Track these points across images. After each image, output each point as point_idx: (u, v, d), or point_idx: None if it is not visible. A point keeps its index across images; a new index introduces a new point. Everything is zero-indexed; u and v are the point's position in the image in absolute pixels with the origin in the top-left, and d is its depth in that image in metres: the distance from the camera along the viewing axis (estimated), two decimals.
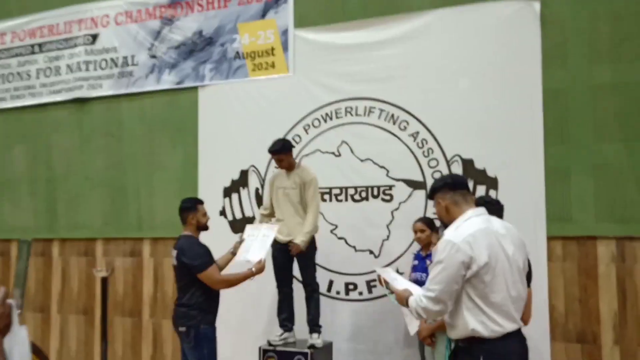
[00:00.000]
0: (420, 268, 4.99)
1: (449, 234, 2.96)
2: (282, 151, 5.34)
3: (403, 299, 3.13)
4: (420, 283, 4.46)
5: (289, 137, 6.15)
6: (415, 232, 5.09)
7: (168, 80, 6.91)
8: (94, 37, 7.34)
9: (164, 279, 6.73)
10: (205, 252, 4.50)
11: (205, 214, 4.71)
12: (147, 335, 6.79)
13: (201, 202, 4.78)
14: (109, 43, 7.26)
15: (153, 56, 7.02)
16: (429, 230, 5.03)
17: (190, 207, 4.68)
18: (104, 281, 6.23)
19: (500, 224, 3.04)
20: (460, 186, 3.09)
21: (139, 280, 6.87)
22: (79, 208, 7.25)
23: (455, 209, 3.01)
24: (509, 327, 2.85)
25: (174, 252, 4.53)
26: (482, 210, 3.06)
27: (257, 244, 4.96)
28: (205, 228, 4.71)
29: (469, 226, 2.91)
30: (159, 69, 6.97)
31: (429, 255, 4.94)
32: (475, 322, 2.83)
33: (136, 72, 7.08)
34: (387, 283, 3.45)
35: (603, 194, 5.03)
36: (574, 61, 5.22)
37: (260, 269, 4.57)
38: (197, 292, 4.42)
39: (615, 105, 5.07)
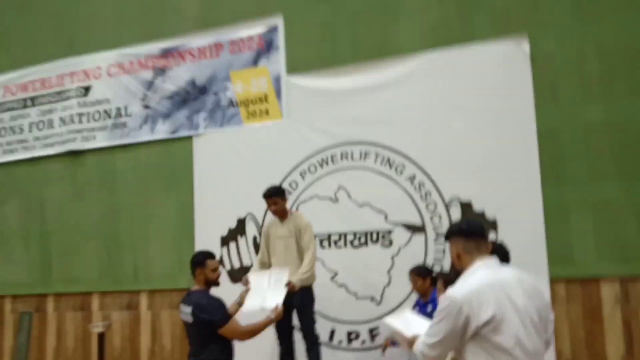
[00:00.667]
0: (422, 314, 4.90)
1: (453, 288, 2.88)
2: (277, 194, 5.32)
3: (411, 345, 3.08)
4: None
5: (286, 183, 6.12)
6: (410, 282, 5.08)
7: (162, 130, 6.90)
8: (87, 89, 7.35)
9: (162, 332, 6.60)
10: (223, 305, 4.37)
11: (215, 269, 4.43)
12: None
13: (212, 257, 4.50)
14: (102, 95, 7.27)
15: (146, 106, 7.02)
16: (421, 280, 4.99)
17: (199, 261, 4.42)
18: (101, 337, 6.10)
19: (511, 274, 2.91)
20: (474, 234, 2.94)
21: (136, 334, 6.73)
22: (73, 261, 7.15)
23: (467, 257, 2.92)
24: None
25: (187, 309, 4.33)
26: (492, 260, 2.93)
27: (270, 290, 4.90)
28: (216, 284, 4.44)
29: (475, 280, 2.81)
30: (153, 119, 6.96)
31: (430, 302, 4.86)
32: None
33: (130, 123, 7.07)
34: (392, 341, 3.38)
35: (603, 233, 4.99)
36: (566, 100, 5.24)
37: (279, 314, 4.44)
38: (216, 348, 4.25)
39: (610, 143, 5.07)
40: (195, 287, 4.44)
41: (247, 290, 4.86)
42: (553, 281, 5.08)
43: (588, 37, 5.18)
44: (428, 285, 4.98)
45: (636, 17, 5.04)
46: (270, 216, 6.06)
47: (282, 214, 5.36)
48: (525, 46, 5.35)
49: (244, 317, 4.59)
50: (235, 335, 4.24)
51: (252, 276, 5.11)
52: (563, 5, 5.27)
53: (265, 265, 5.46)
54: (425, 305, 4.93)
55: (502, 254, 3.71)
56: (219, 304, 4.31)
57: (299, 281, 5.05)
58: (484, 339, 2.69)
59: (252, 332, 4.32)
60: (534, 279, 2.94)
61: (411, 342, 3.09)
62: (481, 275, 2.84)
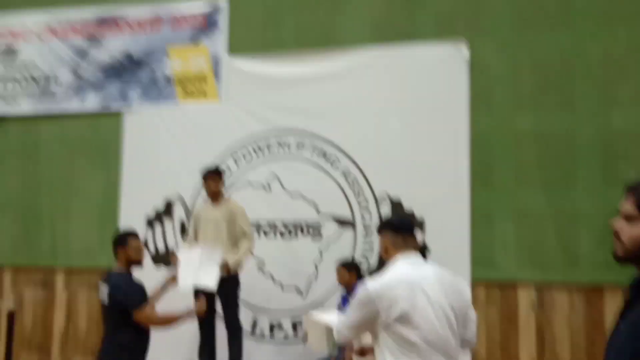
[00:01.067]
0: (346, 306, 4.94)
1: (371, 280, 2.94)
2: (217, 173, 5.28)
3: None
4: None
5: None
6: (337, 275, 5.13)
7: (92, 102, 6.62)
8: (13, 51, 6.95)
9: (77, 312, 6.37)
10: (141, 290, 4.23)
11: (138, 250, 4.29)
12: None
13: (135, 235, 4.34)
14: (29, 58, 6.89)
15: (77, 75, 6.70)
16: (348, 273, 5.05)
17: (121, 240, 4.27)
18: (11, 315, 5.83)
19: (431, 270, 2.98)
20: (404, 229, 3.06)
21: (50, 314, 6.45)
22: None
23: (393, 251, 3.01)
24: None
25: (105, 288, 4.20)
26: (413, 256, 3.00)
27: (203, 269, 4.85)
28: (138, 264, 4.31)
29: (392, 275, 2.90)
30: (84, 90, 6.66)
31: (352, 294, 4.90)
32: None
33: (58, 92, 6.75)
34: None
35: (524, 240, 5.17)
36: (499, 107, 5.37)
37: (200, 309, 4.33)
38: (128, 331, 4.15)
39: (536, 153, 5.23)
40: (116, 267, 4.30)
41: (172, 275, 4.77)
42: (474, 284, 5.21)
43: (524, 49, 5.31)
44: (354, 279, 5.02)
45: (570, 34, 5.20)
46: (199, 200, 5.98)
47: (216, 196, 5.29)
48: (464, 51, 5.44)
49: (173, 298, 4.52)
50: (149, 323, 4.13)
51: (181, 253, 5.02)
52: (503, 15, 5.39)
53: None
54: (350, 298, 4.95)
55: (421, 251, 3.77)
56: (137, 287, 4.19)
57: (234, 263, 5.00)
58: (394, 331, 2.77)
59: (166, 321, 4.21)
60: (457, 278, 3.01)
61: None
62: (400, 269, 2.92)
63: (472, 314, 3.03)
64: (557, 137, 5.15)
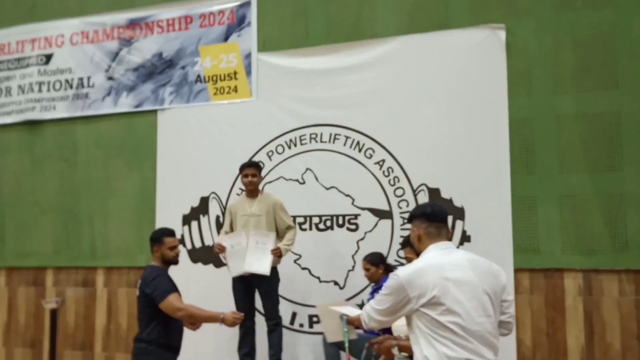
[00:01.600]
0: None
1: (402, 268, 2.93)
2: (256, 166, 5.30)
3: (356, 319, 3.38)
4: None
5: None
6: (363, 269, 5.08)
7: (126, 103, 6.67)
8: (48, 57, 7.06)
9: (117, 310, 6.43)
10: (169, 282, 4.22)
11: (174, 247, 4.29)
12: None
13: (171, 234, 4.34)
14: (64, 64, 6.99)
15: (110, 78, 6.77)
16: (374, 268, 4.99)
17: (157, 238, 4.29)
18: (53, 313, 5.90)
19: (463, 255, 2.96)
20: (438, 218, 3.01)
21: (91, 312, 6.53)
22: (28, 235, 6.89)
23: (427, 240, 2.98)
24: (466, 355, 2.72)
25: (139, 282, 4.25)
26: (446, 244, 2.98)
27: (252, 254, 4.90)
28: (174, 262, 4.30)
29: (422, 261, 2.90)
30: (117, 92, 6.73)
31: (378, 289, 4.83)
32: (429, 348, 2.77)
33: (92, 94, 6.82)
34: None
35: (569, 225, 5.00)
36: (539, 90, 5.21)
37: (233, 319, 4.11)
38: (158, 326, 4.13)
39: (579, 135, 5.06)
40: (152, 263, 4.31)
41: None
42: (517, 271, 5.08)
43: (563, 29, 5.15)
44: (380, 273, 4.97)
45: (611, 12, 5.02)
46: (233, 196, 5.97)
47: (254, 190, 5.27)
48: (501, 35, 5.30)
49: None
50: (171, 311, 4.06)
51: (227, 240, 5.02)
52: None
53: None
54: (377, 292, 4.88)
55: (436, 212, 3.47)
56: (166, 279, 4.18)
57: (284, 250, 5.01)
58: (427, 317, 2.76)
59: (189, 313, 4.09)
60: (492, 263, 2.97)
61: (356, 319, 3.36)
62: (432, 257, 2.90)
63: (509, 296, 2.99)
64: (601, 117, 4.98)
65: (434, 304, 2.73)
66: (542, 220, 5.08)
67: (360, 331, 3.95)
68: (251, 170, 5.23)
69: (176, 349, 4.26)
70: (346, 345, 3.99)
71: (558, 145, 5.10)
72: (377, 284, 5.00)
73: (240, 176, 5.37)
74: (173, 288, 4.18)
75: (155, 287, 4.07)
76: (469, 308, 2.76)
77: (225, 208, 6.04)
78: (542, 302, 5.04)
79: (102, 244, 6.57)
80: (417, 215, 3.06)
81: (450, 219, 5.34)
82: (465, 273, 2.82)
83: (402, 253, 5.22)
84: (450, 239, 3.09)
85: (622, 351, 4.78)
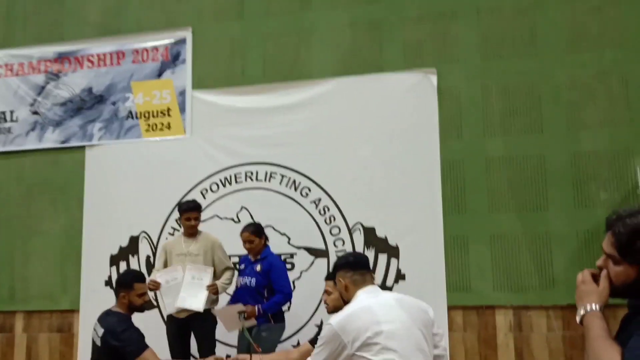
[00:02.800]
0: (249, 272, 4.98)
1: (333, 317, 3.00)
2: (197, 209, 5.18)
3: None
4: (249, 288, 4.90)
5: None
6: (245, 242, 5.02)
7: (51, 139, 6.43)
8: None
9: (38, 357, 6.05)
10: (140, 335, 3.86)
11: (142, 295, 3.99)
12: None
13: (141, 280, 4.07)
14: None
15: (35, 112, 6.52)
16: (257, 239, 5.01)
17: (126, 283, 3.96)
18: None
19: (390, 295, 3.09)
20: (361, 266, 3.15)
21: (9, 359, 6.11)
22: None
23: (353, 287, 3.08)
24: None
25: (100, 330, 3.85)
26: (372, 287, 3.09)
27: (188, 290, 4.79)
28: (140, 310, 4.02)
29: (353, 305, 2.98)
30: (42, 127, 6.47)
31: (260, 260, 4.98)
32: None
33: (15, 129, 6.53)
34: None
35: (499, 264, 5.17)
36: (469, 133, 5.42)
37: None
38: None
39: (508, 177, 5.28)
40: (114, 308, 4.02)
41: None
42: (450, 309, 5.18)
43: (492, 76, 5.41)
44: (263, 244, 5.04)
45: (536, 61, 5.33)
46: (165, 235, 5.81)
47: (195, 231, 5.13)
48: (433, 79, 5.50)
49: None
50: None
51: (160, 276, 4.93)
52: (470, 44, 5.49)
53: None
54: (254, 264, 4.98)
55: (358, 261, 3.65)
56: (137, 334, 3.84)
57: (221, 287, 4.94)
58: (363, 359, 2.77)
59: None
60: (418, 300, 3.08)
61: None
62: (359, 300, 3.01)
63: (438, 330, 3.09)
64: (527, 160, 5.23)
65: (368, 345, 2.76)
66: (473, 259, 5.23)
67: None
68: (194, 214, 5.12)
69: None
70: (249, 338, 4.02)
71: (488, 186, 5.29)
72: (256, 256, 5.01)
73: (179, 217, 5.23)
74: (143, 343, 3.82)
75: (127, 341, 3.73)
76: (405, 345, 2.80)
77: (156, 247, 5.86)
78: (475, 339, 5.15)
79: (22, 286, 6.21)
80: (341, 265, 3.18)
81: (384, 257, 5.43)
82: (395, 312, 2.88)
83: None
84: (373, 283, 3.18)
85: None
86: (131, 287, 3.93)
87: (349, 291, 3.09)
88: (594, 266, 1.85)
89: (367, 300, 2.95)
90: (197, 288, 4.86)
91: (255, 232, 5.03)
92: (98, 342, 3.82)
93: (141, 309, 4.01)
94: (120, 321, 3.85)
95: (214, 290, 4.90)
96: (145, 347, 3.78)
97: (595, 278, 1.82)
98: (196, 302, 4.84)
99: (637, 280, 1.72)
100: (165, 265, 5.17)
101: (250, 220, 5.62)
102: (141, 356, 3.73)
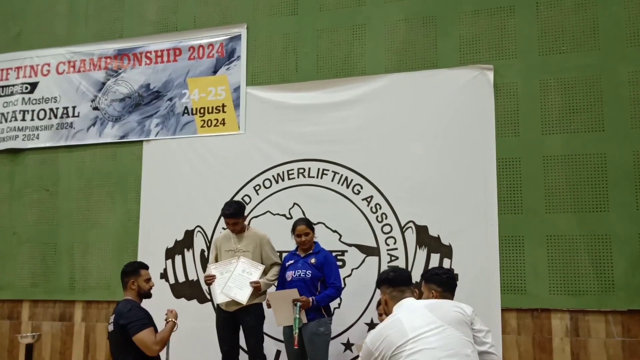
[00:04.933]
0: (302, 265, 5.03)
1: (369, 334, 3.20)
2: (238, 215, 5.15)
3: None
4: (304, 280, 4.93)
5: (239, 197, 5.94)
6: (300, 235, 5.06)
7: (111, 134, 6.61)
8: (33, 85, 6.99)
9: (95, 345, 6.26)
10: (145, 315, 4.17)
11: (148, 280, 4.37)
12: None
13: (145, 267, 4.42)
14: (49, 93, 6.93)
15: (96, 108, 6.71)
16: (312, 232, 5.09)
17: (132, 271, 4.32)
18: (29, 348, 5.72)
19: (422, 303, 3.20)
20: (399, 283, 3.27)
21: (68, 347, 6.35)
22: (4, 266, 6.72)
23: (391, 303, 3.25)
24: None
25: (112, 317, 4.16)
26: (407, 301, 3.20)
27: (234, 280, 4.92)
28: (148, 295, 4.36)
29: (385, 321, 3.15)
30: (102, 122, 6.66)
31: (311, 254, 5.05)
32: None
33: (77, 124, 6.75)
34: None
35: (556, 265, 5.01)
36: (526, 130, 5.27)
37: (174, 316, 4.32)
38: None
39: (566, 176, 5.11)
40: (126, 297, 4.28)
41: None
42: (504, 311, 5.06)
43: (550, 71, 5.24)
44: (313, 238, 5.12)
45: (597, 56, 5.13)
46: (219, 230, 5.90)
47: (240, 231, 5.20)
48: (489, 75, 5.37)
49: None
50: (147, 346, 4.01)
51: (215, 269, 5.08)
52: (528, 38, 5.33)
53: None
54: (308, 257, 5.04)
55: (447, 279, 3.77)
56: (142, 312, 4.16)
57: (264, 285, 4.95)
58: None
59: (162, 340, 4.12)
60: (452, 301, 3.28)
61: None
62: (392, 314, 3.18)
63: (482, 327, 3.24)
64: (587, 158, 5.04)
65: (398, 354, 2.92)
66: (529, 260, 5.09)
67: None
68: (232, 220, 5.16)
69: None
70: (296, 329, 4.58)
71: (545, 185, 5.14)
72: (307, 251, 5.08)
73: None
74: (149, 321, 4.13)
75: (131, 318, 4.03)
76: (434, 346, 2.89)
77: (210, 242, 5.95)
78: (529, 342, 5.01)
79: (81, 277, 6.42)
80: (381, 281, 3.38)
81: (437, 257, 5.35)
82: (423, 318, 3.01)
83: None
84: (416, 297, 3.32)
85: None
86: (138, 273, 4.28)
87: (388, 305, 3.29)
88: None
89: (400, 313, 3.11)
90: (245, 282, 4.93)
91: (310, 226, 5.11)
92: (111, 328, 4.13)
93: (149, 294, 4.33)
94: (127, 303, 4.16)
95: (257, 287, 4.93)
96: (146, 325, 4.04)
97: None
98: (241, 294, 4.90)
99: None
100: (217, 260, 5.25)
101: (302, 216, 5.65)
102: (140, 333, 3.99)
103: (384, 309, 3.35)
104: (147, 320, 4.10)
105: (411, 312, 3.10)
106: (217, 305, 5.17)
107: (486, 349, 3.21)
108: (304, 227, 5.08)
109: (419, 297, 3.47)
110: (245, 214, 5.69)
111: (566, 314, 4.95)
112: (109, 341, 4.27)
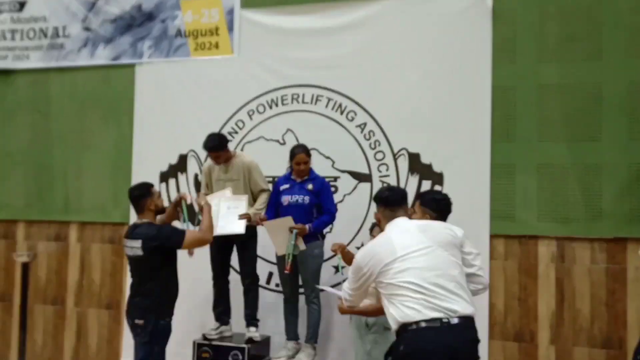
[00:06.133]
0: (299, 191, 5.06)
1: (359, 250, 3.39)
2: (219, 149, 5.11)
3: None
4: (301, 206, 4.99)
5: (232, 122, 5.94)
6: (299, 163, 5.05)
7: (103, 55, 6.50)
8: (22, 4, 6.81)
9: (90, 266, 6.37)
10: (171, 226, 4.42)
11: (160, 196, 4.53)
12: (70, 324, 6.41)
13: (152, 185, 4.52)
14: (38, 12, 6.75)
15: (87, 28, 6.57)
16: (309, 160, 5.11)
17: (145, 193, 4.37)
18: (25, 267, 5.83)
19: (412, 223, 3.31)
20: (392, 203, 3.37)
21: (63, 267, 6.46)
22: None
23: (384, 221, 3.37)
24: (430, 314, 2.94)
25: (136, 242, 4.15)
26: (399, 220, 3.30)
27: (226, 217, 4.93)
28: (163, 211, 4.48)
29: (376, 239, 3.32)
30: (93, 43, 6.54)
31: (307, 180, 5.09)
32: (393, 308, 3.05)
33: (68, 45, 6.62)
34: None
35: (546, 194, 5.07)
36: (523, 59, 5.21)
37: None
38: (159, 283, 4.19)
39: (561, 105, 5.09)
40: (140, 220, 4.31)
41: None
42: (493, 237, 5.16)
43: None
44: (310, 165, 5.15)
45: None
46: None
47: (226, 160, 5.18)
48: (487, 1, 5.27)
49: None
50: (202, 240, 4.32)
51: (210, 199, 5.01)
52: None
53: None
54: (304, 183, 5.08)
55: (445, 204, 3.82)
56: (169, 226, 4.37)
57: (253, 215, 4.96)
58: (383, 283, 3.10)
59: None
60: (444, 223, 3.39)
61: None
62: (383, 233, 3.31)
63: (472, 250, 3.30)
64: (583, 87, 5.01)
65: (386, 271, 3.07)
66: (519, 188, 5.14)
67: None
68: (213, 154, 5.12)
69: (173, 304, 4.40)
70: (291, 255, 4.75)
71: (539, 114, 5.13)
72: (303, 177, 5.10)
73: None
74: (180, 230, 4.30)
75: (166, 235, 4.17)
76: (421, 265, 3.02)
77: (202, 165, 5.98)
78: (515, 268, 5.13)
79: (76, 198, 6.46)
80: (377, 199, 3.48)
81: (428, 183, 5.40)
82: (413, 237, 3.13)
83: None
84: (409, 216, 3.42)
85: (590, 317, 4.92)
86: (150, 193, 4.37)
87: (381, 224, 3.40)
88: None
89: (390, 232, 3.23)
90: (234, 216, 4.88)
91: (308, 154, 5.10)
92: (139, 253, 4.08)
93: (164, 209, 4.48)
94: (150, 225, 4.24)
95: (247, 219, 4.94)
96: (183, 231, 4.24)
97: None
98: (237, 226, 4.86)
99: None
100: (207, 187, 5.27)
101: (296, 143, 5.65)
102: (186, 239, 4.19)
103: (380, 226, 3.45)
104: (178, 229, 4.28)
105: (402, 231, 3.20)
106: None
107: (474, 271, 3.28)
108: (303, 156, 5.06)
109: (411, 216, 3.53)
110: (239, 138, 5.71)
111: (553, 240, 5.05)
112: (135, 265, 4.27)
